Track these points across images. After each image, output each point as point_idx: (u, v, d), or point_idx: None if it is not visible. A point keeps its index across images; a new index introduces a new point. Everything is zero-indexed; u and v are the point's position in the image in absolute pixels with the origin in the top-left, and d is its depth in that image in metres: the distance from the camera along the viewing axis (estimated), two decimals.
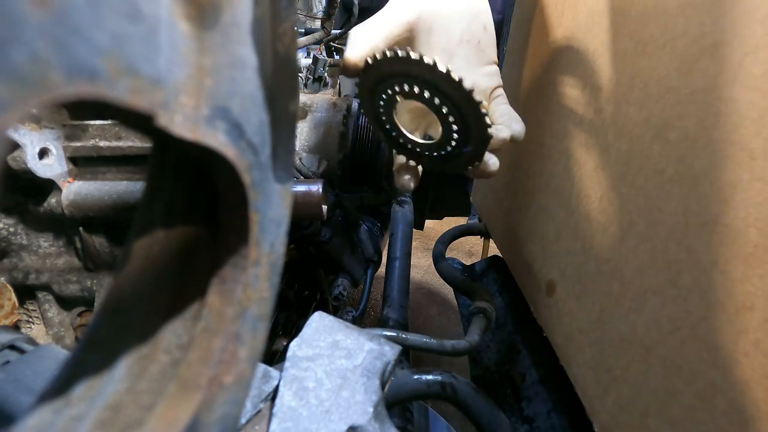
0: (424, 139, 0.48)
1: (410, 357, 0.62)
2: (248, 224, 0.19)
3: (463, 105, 0.40)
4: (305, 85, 0.88)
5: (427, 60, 0.38)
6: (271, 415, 0.30)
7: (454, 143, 0.44)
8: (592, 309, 0.45)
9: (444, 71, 0.38)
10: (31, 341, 0.44)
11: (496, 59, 0.49)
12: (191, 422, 0.18)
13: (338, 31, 0.97)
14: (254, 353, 0.21)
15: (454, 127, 0.42)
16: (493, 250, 0.99)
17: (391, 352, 0.36)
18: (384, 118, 0.47)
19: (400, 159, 0.50)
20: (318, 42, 0.92)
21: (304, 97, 0.78)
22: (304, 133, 0.75)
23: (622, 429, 0.39)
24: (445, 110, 0.41)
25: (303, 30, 1.05)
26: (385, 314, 0.78)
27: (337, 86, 0.92)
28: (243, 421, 0.30)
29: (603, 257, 0.44)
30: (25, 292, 0.63)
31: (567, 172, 0.52)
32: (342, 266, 0.82)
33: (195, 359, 0.19)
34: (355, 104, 0.78)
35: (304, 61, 0.89)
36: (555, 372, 0.53)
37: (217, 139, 0.16)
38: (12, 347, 0.42)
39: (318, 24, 1.03)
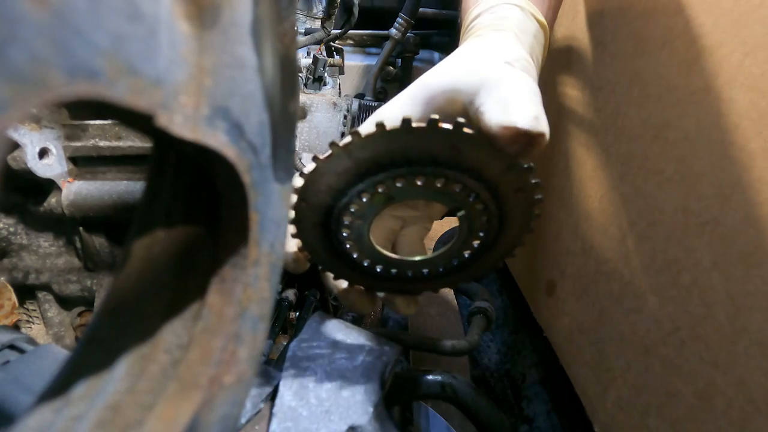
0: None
1: (410, 357, 0.62)
2: (248, 224, 0.19)
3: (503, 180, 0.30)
4: (305, 85, 0.88)
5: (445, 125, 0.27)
6: (271, 415, 0.30)
7: (479, 241, 0.33)
8: (592, 309, 0.45)
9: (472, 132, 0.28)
10: (31, 341, 0.44)
11: None
12: (191, 422, 0.18)
13: (338, 31, 0.97)
14: (254, 353, 0.21)
15: (482, 218, 0.32)
16: None
17: (391, 352, 0.36)
18: (350, 244, 0.33)
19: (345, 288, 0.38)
20: (318, 42, 0.92)
21: (304, 97, 0.78)
22: (304, 133, 0.75)
23: (622, 429, 0.39)
24: (472, 198, 0.30)
25: (303, 30, 1.04)
26: (385, 314, 0.78)
27: (337, 86, 0.92)
28: (243, 421, 0.30)
29: (603, 257, 0.44)
30: (25, 292, 0.63)
31: (567, 172, 0.52)
32: None
33: (195, 359, 0.19)
34: (355, 104, 0.78)
35: (304, 61, 0.89)
36: (555, 372, 0.53)
37: (217, 139, 0.16)
38: (12, 347, 0.42)
39: (318, 24, 1.03)
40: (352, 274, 0.37)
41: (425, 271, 0.36)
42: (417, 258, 0.35)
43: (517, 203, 0.31)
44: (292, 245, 0.35)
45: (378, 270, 0.35)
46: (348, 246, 0.33)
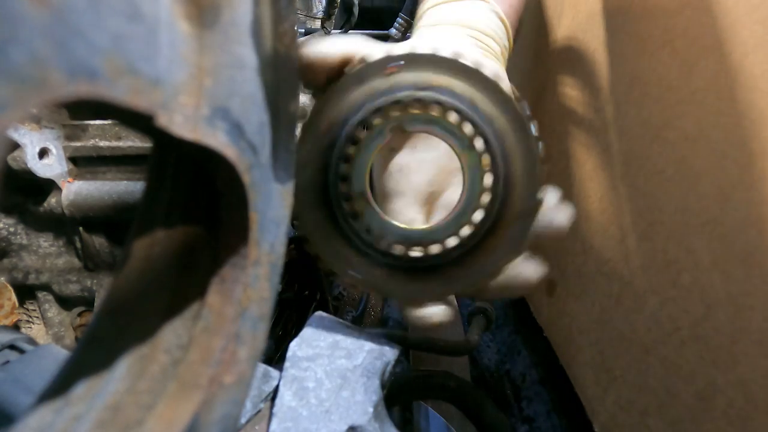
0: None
1: (410, 357, 0.62)
2: (248, 224, 0.19)
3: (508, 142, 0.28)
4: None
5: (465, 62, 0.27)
6: (271, 415, 0.30)
7: (482, 214, 0.29)
8: (592, 309, 0.45)
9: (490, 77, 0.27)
10: (31, 341, 0.44)
11: None
12: (191, 422, 0.18)
13: (338, 31, 0.97)
14: (254, 353, 0.21)
15: (488, 181, 0.29)
16: None
17: (391, 352, 0.36)
18: (349, 190, 0.29)
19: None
20: None
21: (304, 97, 0.78)
22: None
23: (622, 429, 0.39)
24: (479, 145, 0.28)
25: (303, 30, 1.04)
26: (385, 314, 0.78)
27: None
28: (243, 421, 0.30)
29: (603, 257, 0.44)
30: (25, 292, 0.63)
31: (567, 172, 0.52)
32: None
33: (195, 359, 0.19)
34: None
35: None
36: (555, 372, 0.53)
37: (217, 139, 0.16)
38: (12, 347, 0.42)
39: (318, 24, 1.03)
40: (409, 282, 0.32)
41: (457, 240, 0.30)
42: (429, 225, 0.31)
43: (503, 118, 0.28)
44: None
45: (416, 257, 0.31)
46: (366, 234, 0.30)
